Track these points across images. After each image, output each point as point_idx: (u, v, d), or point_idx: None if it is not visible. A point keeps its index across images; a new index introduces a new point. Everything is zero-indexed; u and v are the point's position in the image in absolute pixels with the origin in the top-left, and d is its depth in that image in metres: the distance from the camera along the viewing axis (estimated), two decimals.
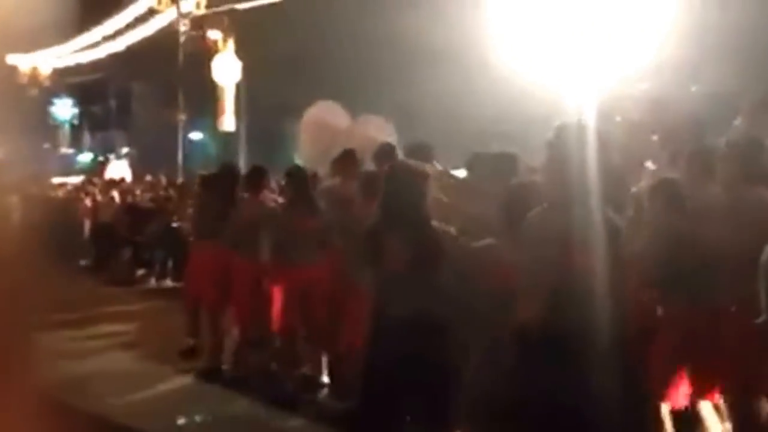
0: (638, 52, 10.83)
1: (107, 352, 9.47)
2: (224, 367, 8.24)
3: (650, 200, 5.06)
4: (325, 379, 7.64)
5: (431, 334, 4.42)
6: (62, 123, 41.01)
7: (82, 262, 17.78)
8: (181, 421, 6.93)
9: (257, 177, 8.50)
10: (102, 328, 10.72)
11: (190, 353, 8.89)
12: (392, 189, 4.80)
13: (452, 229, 4.81)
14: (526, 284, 4.03)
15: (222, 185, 8.79)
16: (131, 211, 16.47)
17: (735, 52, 12.39)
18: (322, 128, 10.89)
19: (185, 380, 8.21)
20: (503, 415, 4.07)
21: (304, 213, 7.55)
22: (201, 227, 9.10)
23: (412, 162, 5.11)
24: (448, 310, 4.40)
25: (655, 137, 6.86)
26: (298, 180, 7.88)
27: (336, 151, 8.47)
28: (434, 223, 4.73)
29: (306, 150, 11.31)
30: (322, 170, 9.32)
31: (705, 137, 6.41)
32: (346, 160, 8.01)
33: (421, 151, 6.70)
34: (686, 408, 4.95)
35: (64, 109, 40.87)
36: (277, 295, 7.66)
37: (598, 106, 6.86)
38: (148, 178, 18.97)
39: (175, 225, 14.32)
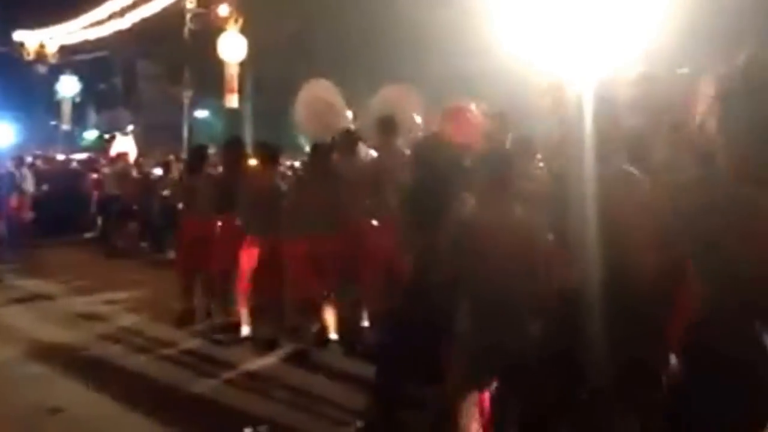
0: (632, 39, 11.02)
1: (119, 315, 9.87)
2: (243, 329, 8.54)
3: None
4: (334, 336, 8.00)
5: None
6: (66, 100, 41.05)
7: (88, 234, 18.10)
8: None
9: (268, 152, 8.78)
10: (110, 295, 11.09)
11: (186, 318, 9.35)
12: (423, 159, 5.07)
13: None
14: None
15: (229, 159, 9.11)
16: (136, 184, 16.73)
17: (727, 38, 12.57)
18: (322, 104, 11.21)
19: (192, 342, 8.60)
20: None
21: (320, 186, 7.89)
22: (206, 202, 9.32)
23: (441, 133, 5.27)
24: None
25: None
26: (320, 154, 8.20)
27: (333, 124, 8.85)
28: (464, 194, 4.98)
29: (308, 126, 11.58)
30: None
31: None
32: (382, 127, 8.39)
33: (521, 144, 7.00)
34: None
35: (68, 86, 40.87)
36: (292, 264, 7.96)
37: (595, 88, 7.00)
38: (159, 153, 19.24)
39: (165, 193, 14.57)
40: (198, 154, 10.07)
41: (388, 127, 8.25)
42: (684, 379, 3.30)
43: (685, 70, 9.06)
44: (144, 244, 16.08)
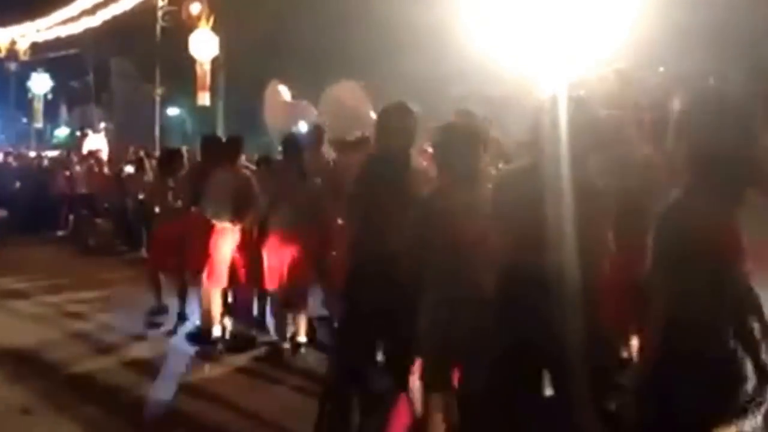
0: (608, 36, 11.08)
1: (90, 314, 9.81)
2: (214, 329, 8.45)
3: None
4: (303, 338, 7.98)
5: (402, 287, 4.70)
6: (38, 97, 40.72)
7: (60, 233, 17.96)
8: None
9: (235, 146, 8.77)
10: (81, 294, 11.02)
11: (156, 317, 9.38)
12: (384, 127, 5.11)
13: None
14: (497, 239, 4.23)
15: (207, 153, 9.09)
16: (109, 182, 16.65)
17: (701, 35, 12.68)
18: (279, 104, 11.64)
19: (164, 342, 8.58)
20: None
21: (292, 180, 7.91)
22: (180, 199, 9.32)
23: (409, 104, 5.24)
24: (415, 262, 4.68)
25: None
26: (291, 150, 8.23)
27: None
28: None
29: (270, 125, 12.03)
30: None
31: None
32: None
33: None
34: None
35: (40, 84, 40.54)
36: (269, 257, 7.93)
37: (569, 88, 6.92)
38: (131, 150, 19.14)
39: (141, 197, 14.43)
40: (172, 157, 10.05)
41: (352, 146, 8.36)
42: (654, 379, 3.33)
43: (660, 69, 9.18)
44: (117, 242, 15.97)
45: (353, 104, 10.60)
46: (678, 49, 11.79)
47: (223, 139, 9.51)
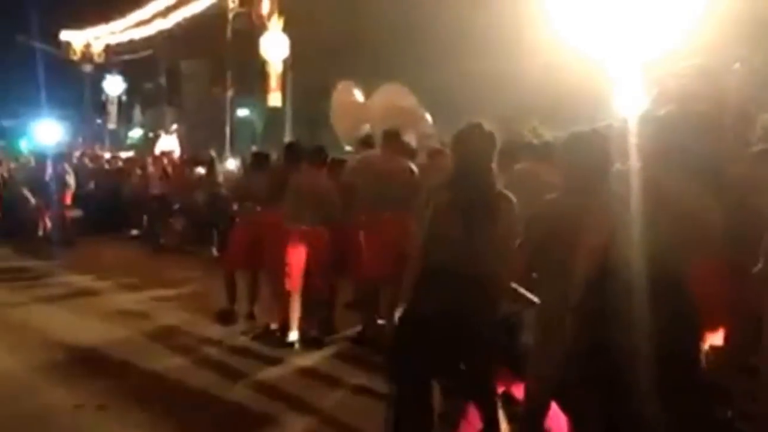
0: (679, 31, 10.83)
1: (163, 312, 9.95)
2: (273, 327, 8.59)
3: None
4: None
5: (472, 291, 4.64)
6: (112, 99, 41.46)
7: (133, 232, 18.24)
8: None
9: (321, 155, 8.85)
10: (155, 292, 11.16)
11: (227, 316, 9.40)
12: (462, 149, 5.01)
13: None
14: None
15: (289, 158, 9.19)
16: (180, 182, 16.84)
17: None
18: (350, 105, 11.74)
19: (237, 341, 8.63)
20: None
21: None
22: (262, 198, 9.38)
23: (484, 125, 5.15)
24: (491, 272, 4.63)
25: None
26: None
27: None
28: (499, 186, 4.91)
29: (338, 126, 12.13)
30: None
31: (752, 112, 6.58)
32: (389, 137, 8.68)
33: None
34: None
35: (114, 86, 41.29)
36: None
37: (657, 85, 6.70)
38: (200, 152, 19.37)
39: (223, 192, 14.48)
40: (262, 157, 10.26)
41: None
42: None
43: (736, 65, 8.86)
44: (189, 242, 16.17)
45: (404, 106, 10.57)
46: (756, 42, 11.37)
47: (300, 144, 9.66)
